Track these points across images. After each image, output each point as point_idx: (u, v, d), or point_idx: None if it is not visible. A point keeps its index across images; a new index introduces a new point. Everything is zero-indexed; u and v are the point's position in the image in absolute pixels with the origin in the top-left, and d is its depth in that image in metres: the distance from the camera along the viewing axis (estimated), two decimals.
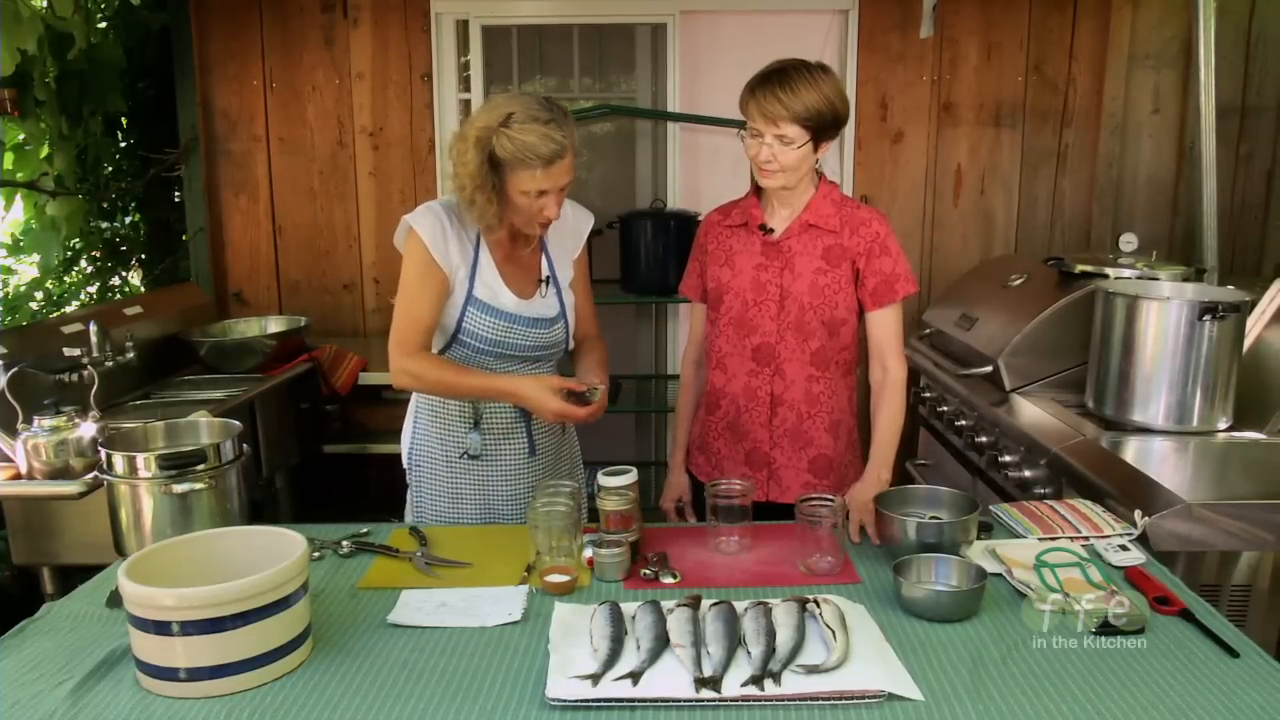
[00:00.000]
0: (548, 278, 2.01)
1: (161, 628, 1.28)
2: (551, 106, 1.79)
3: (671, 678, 1.31)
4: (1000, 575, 1.61)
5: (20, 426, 2.33)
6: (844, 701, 1.26)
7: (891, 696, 1.26)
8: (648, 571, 1.67)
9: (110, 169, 3.81)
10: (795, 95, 1.84)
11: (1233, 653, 1.37)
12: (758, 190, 2.05)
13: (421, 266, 1.88)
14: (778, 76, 1.86)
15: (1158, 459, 2.21)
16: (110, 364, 2.88)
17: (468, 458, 2.02)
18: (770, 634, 1.37)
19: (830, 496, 1.72)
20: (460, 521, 2.04)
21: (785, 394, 2.03)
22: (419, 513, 2.08)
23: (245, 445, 1.90)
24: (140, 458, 1.77)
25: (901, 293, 2.00)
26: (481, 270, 1.93)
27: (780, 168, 1.90)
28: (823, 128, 1.88)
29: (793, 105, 1.84)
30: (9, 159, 3.29)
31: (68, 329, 2.87)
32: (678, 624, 1.41)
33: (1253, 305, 2.39)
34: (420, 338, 1.89)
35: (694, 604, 1.47)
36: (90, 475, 2.25)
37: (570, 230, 2.05)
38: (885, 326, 2.01)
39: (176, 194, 3.95)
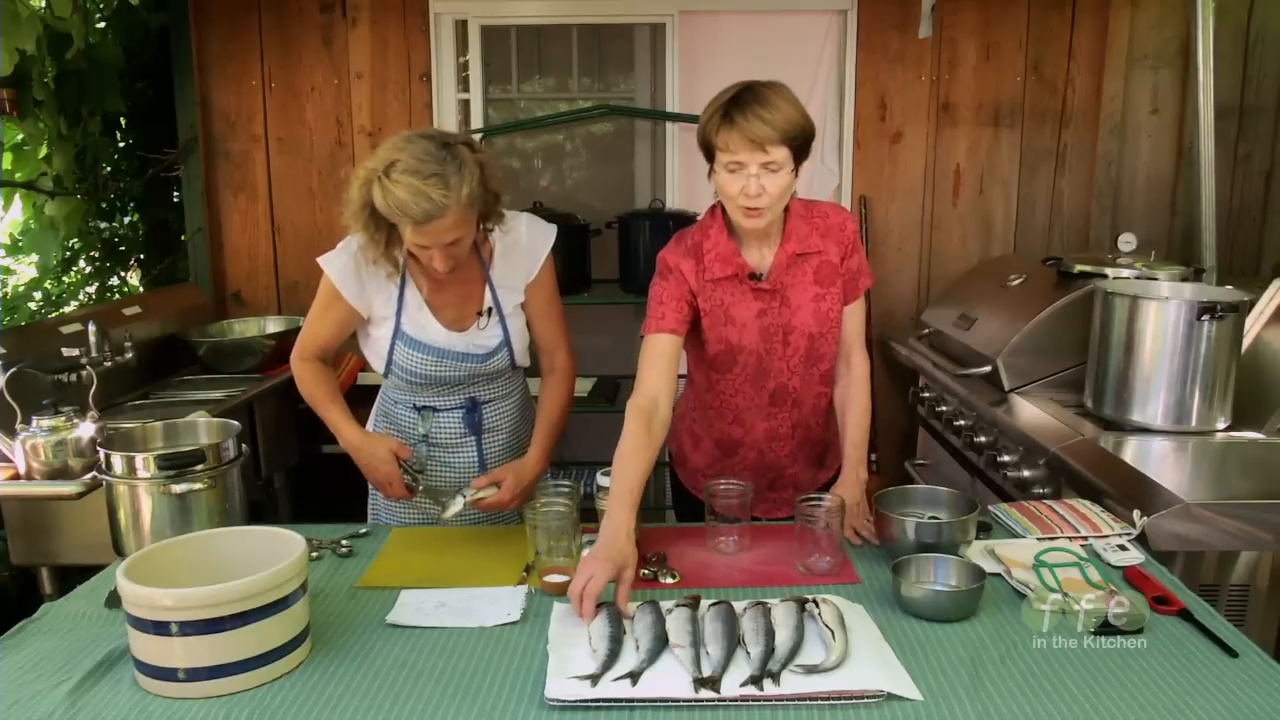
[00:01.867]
0: (489, 309, 1.95)
1: (160, 628, 1.28)
2: (445, 157, 1.66)
3: (671, 678, 1.30)
4: (999, 575, 1.61)
5: (19, 426, 2.33)
6: (843, 701, 1.26)
7: (890, 696, 1.26)
8: (646, 571, 1.67)
9: (109, 169, 3.81)
10: (778, 111, 1.67)
11: (1231, 652, 1.37)
12: (726, 226, 1.86)
13: (328, 297, 1.92)
14: (751, 96, 1.68)
15: (1156, 459, 2.22)
16: (109, 364, 2.88)
17: (415, 468, 1.96)
18: (769, 634, 1.37)
19: (830, 497, 1.72)
20: (410, 525, 2.04)
21: (803, 418, 2.00)
22: (374, 514, 2.11)
23: (244, 445, 1.90)
24: (139, 458, 1.77)
25: (863, 287, 1.96)
26: (408, 305, 1.91)
27: (770, 200, 1.72)
28: (803, 146, 1.73)
29: (778, 123, 1.67)
30: (8, 159, 3.29)
31: (66, 329, 2.88)
32: (677, 624, 1.41)
33: (1251, 305, 2.39)
34: (314, 350, 1.99)
35: (693, 604, 1.47)
36: (89, 475, 2.25)
37: (524, 252, 1.95)
38: (851, 321, 1.96)
39: (175, 194, 3.95)
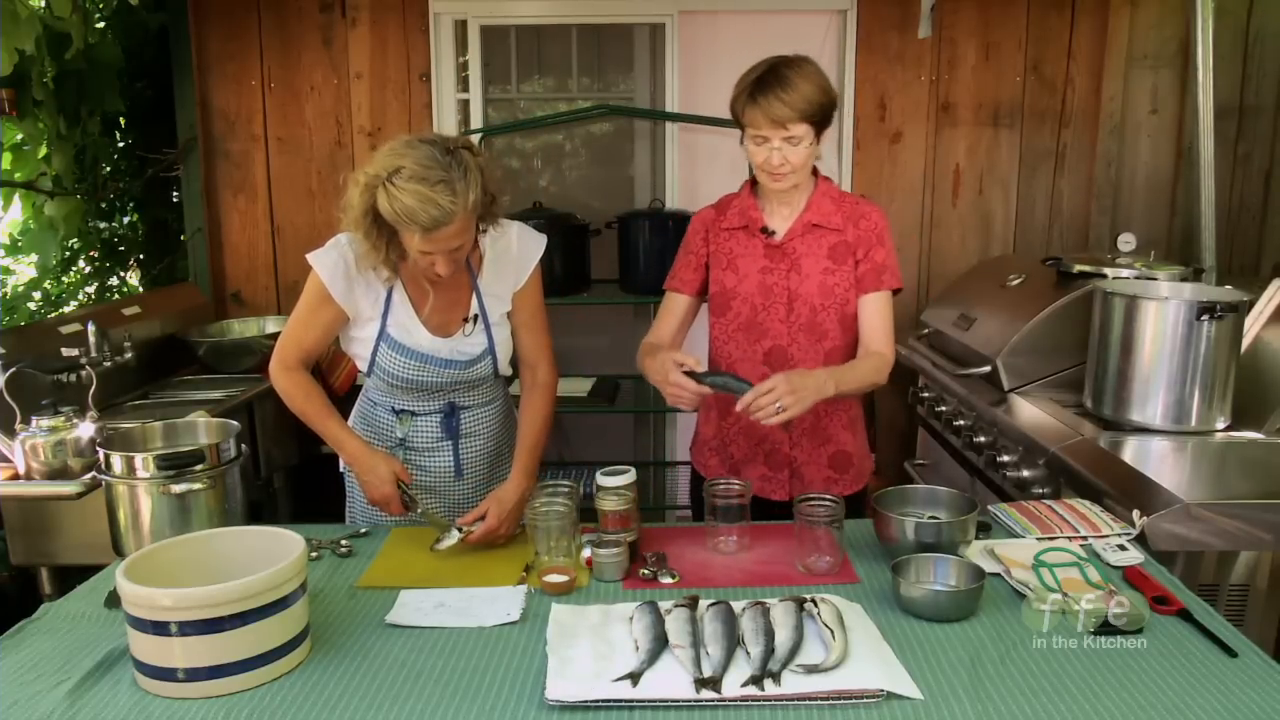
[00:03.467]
0: (475, 316, 1.93)
1: (160, 628, 1.28)
2: (450, 163, 1.65)
3: (671, 678, 1.31)
4: (998, 575, 1.61)
5: (18, 427, 2.33)
6: (843, 701, 1.26)
7: (890, 695, 1.26)
8: (646, 571, 1.67)
9: (108, 169, 3.80)
10: (796, 91, 1.82)
11: (1231, 652, 1.37)
12: (753, 188, 2.04)
13: (317, 298, 1.87)
14: (773, 78, 1.84)
15: (1156, 459, 2.22)
16: (108, 364, 2.88)
17: (413, 492, 1.94)
18: (769, 634, 1.37)
19: (830, 497, 1.72)
20: (391, 525, 2.02)
21: None
22: (352, 515, 2.09)
23: (243, 445, 1.90)
24: (138, 458, 1.77)
25: (888, 284, 1.99)
26: (395, 308, 1.89)
27: (792, 169, 1.88)
28: (824, 119, 1.88)
29: (796, 103, 1.82)
30: (7, 159, 3.29)
31: (66, 329, 2.88)
32: (676, 624, 1.41)
33: (1251, 305, 2.39)
34: (298, 356, 1.93)
35: (691, 604, 1.47)
36: (88, 476, 2.25)
37: (513, 261, 1.94)
38: (871, 312, 1.99)
39: (175, 194, 3.94)
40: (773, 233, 2.00)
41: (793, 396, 1.74)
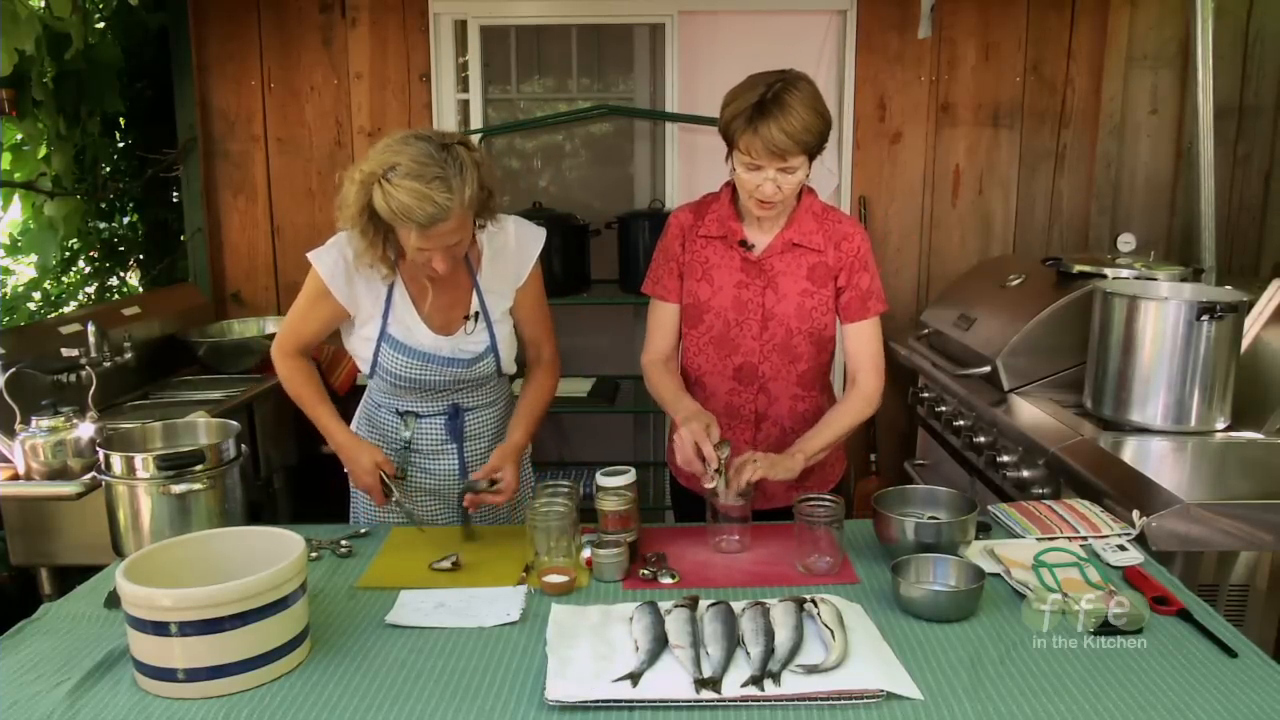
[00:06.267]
0: (476, 313, 1.93)
1: (159, 628, 1.28)
2: (445, 159, 1.64)
3: (671, 678, 1.30)
4: (998, 575, 1.61)
5: (18, 427, 2.33)
6: (843, 701, 1.26)
7: (890, 696, 1.26)
8: (646, 572, 1.67)
9: (108, 169, 3.80)
10: (797, 119, 1.72)
11: (1231, 653, 1.37)
12: (732, 195, 1.96)
13: (316, 294, 1.89)
14: (774, 107, 1.73)
15: (1156, 459, 2.22)
16: (108, 364, 2.88)
17: (398, 475, 1.95)
18: (769, 634, 1.37)
19: (829, 497, 1.72)
20: (391, 525, 2.01)
21: (770, 410, 2.00)
22: (355, 514, 2.10)
23: (243, 446, 1.90)
24: (138, 458, 1.77)
25: (873, 311, 1.95)
26: (395, 307, 1.88)
27: (784, 198, 1.82)
28: (821, 143, 1.80)
29: (798, 134, 1.73)
30: (7, 159, 3.29)
31: (66, 329, 2.88)
32: (676, 625, 1.41)
33: (1250, 305, 2.39)
34: (296, 345, 1.97)
35: (691, 604, 1.47)
36: (88, 476, 2.25)
37: (513, 256, 1.93)
38: (858, 341, 1.96)
39: (174, 194, 3.94)
40: (751, 246, 1.94)
41: (767, 462, 1.79)
